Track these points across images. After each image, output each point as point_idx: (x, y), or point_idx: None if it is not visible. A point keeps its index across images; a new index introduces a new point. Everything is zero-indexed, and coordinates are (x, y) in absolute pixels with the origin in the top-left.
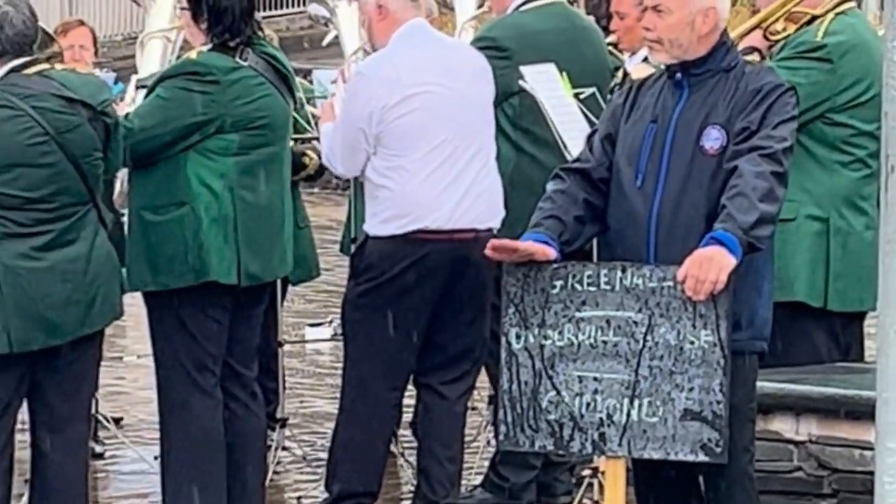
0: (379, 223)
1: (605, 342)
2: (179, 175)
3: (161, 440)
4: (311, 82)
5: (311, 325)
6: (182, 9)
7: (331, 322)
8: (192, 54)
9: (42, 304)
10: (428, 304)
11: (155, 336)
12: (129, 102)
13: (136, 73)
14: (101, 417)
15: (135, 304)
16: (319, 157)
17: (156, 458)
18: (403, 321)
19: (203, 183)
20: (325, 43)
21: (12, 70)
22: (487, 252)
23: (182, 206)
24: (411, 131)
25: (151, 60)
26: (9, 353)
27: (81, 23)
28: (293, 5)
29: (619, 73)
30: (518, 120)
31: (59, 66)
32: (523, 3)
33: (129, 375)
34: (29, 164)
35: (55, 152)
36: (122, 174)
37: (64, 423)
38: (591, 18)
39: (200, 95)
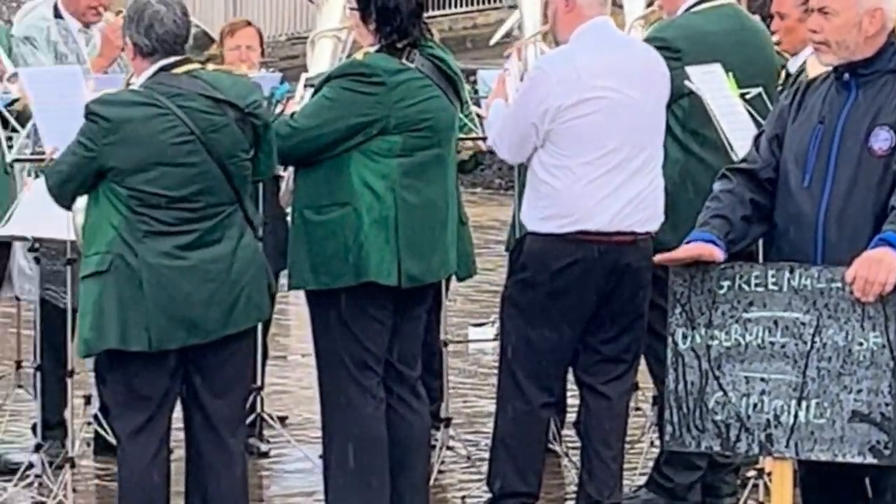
0: (539, 219)
1: (772, 343)
2: (342, 175)
3: (324, 439)
4: (475, 83)
5: (475, 325)
6: (352, 9)
7: (493, 322)
8: (359, 55)
9: (184, 304)
10: (585, 306)
11: (317, 335)
12: (298, 101)
13: (302, 72)
14: (266, 416)
15: (298, 302)
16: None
17: (320, 456)
18: (558, 320)
19: (365, 184)
20: (492, 42)
21: (162, 69)
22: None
23: (344, 206)
24: (582, 135)
25: (321, 59)
26: (149, 350)
27: (248, 23)
28: (456, 6)
29: (783, 74)
30: (687, 121)
31: (211, 67)
32: (695, 4)
33: (293, 374)
34: (173, 163)
35: (200, 152)
36: (288, 173)
37: (218, 424)
38: (757, 17)
39: (365, 96)
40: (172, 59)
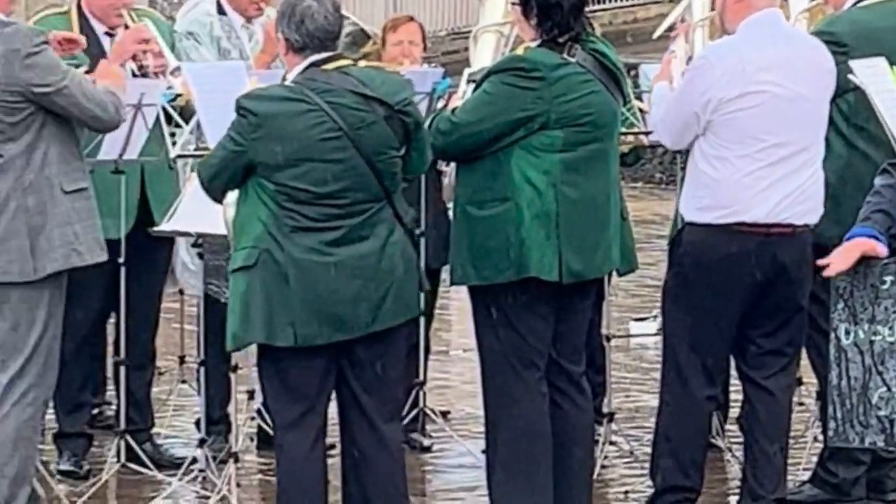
0: (696, 209)
1: None
2: (503, 170)
3: (486, 434)
4: (636, 77)
5: (636, 320)
6: (513, 4)
7: (655, 317)
8: (520, 50)
9: (330, 300)
10: (742, 298)
11: (479, 330)
12: (461, 96)
13: (461, 67)
14: (428, 411)
15: (459, 297)
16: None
17: (483, 451)
18: (716, 312)
19: (526, 179)
20: (655, 36)
21: (312, 64)
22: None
23: (505, 201)
24: (744, 128)
25: (484, 54)
26: (295, 346)
27: (411, 18)
28: (617, 0)
29: None
30: (852, 116)
31: (363, 64)
32: None
33: (454, 369)
34: (320, 158)
35: (347, 148)
36: (451, 168)
37: (374, 418)
38: None
39: (525, 91)
40: (323, 55)
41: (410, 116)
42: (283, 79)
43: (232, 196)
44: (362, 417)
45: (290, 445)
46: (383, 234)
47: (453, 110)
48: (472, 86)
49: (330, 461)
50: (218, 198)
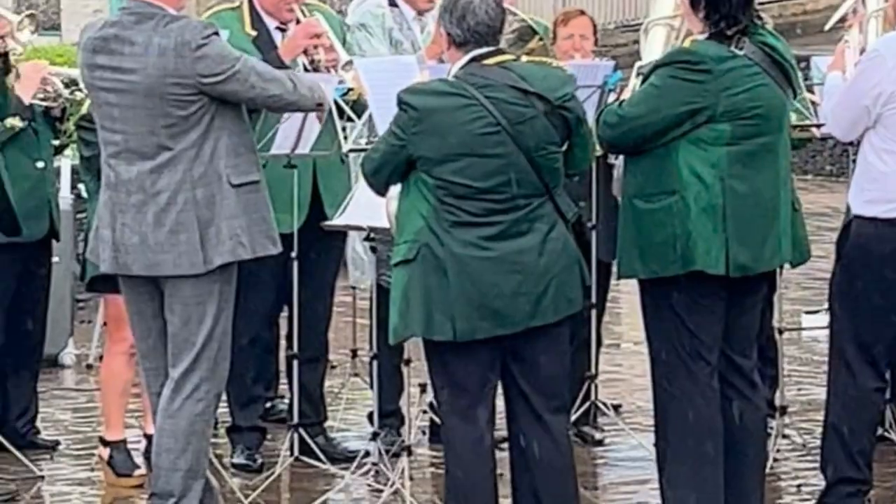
0: (864, 202)
1: None
2: (670, 164)
3: (657, 428)
4: (806, 69)
5: (808, 313)
6: None
7: (827, 309)
8: (686, 43)
9: (489, 295)
10: None
11: (648, 324)
12: (631, 90)
13: (632, 60)
14: (600, 404)
15: (630, 290)
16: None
17: (654, 444)
18: (883, 305)
19: (693, 172)
20: (827, 27)
21: (473, 59)
22: None
23: (672, 194)
24: None
25: (653, 48)
26: (454, 340)
27: (582, 12)
28: None
29: None
30: None
31: (525, 59)
32: None
33: (625, 362)
34: (479, 153)
35: (507, 143)
36: (619, 162)
37: (541, 411)
38: None
39: (692, 84)
40: (484, 50)
41: (571, 112)
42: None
43: (395, 189)
44: (528, 410)
45: (458, 438)
46: (543, 230)
47: (621, 103)
48: (641, 79)
49: (501, 455)
50: (381, 191)
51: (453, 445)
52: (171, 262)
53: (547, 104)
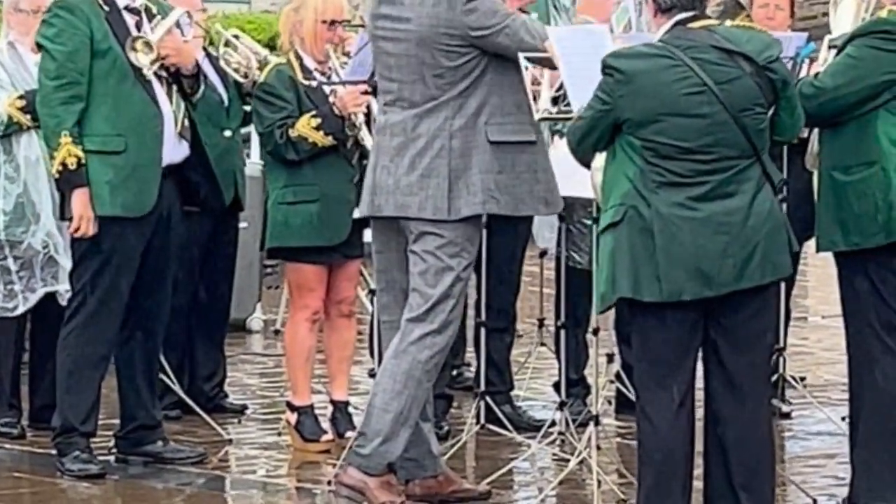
0: None
1: None
2: (869, 135)
3: (852, 402)
4: None
5: None
6: None
7: None
8: (883, 13)
9: (696, 255)
10: None
11: (844, 296)
12: (821, 63)
13: (822, 33)
14: (788, 377)
15: (819, 264)
16: None
17: (843, 418)
18: None
19: (892, 142)
20: None
21: (678, 23)
22: None
23: (872, 165)
24: None
25: (843, 20)
26: (661, 301)
27: None
28: None
29: None
30: None
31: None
32: None
33: (812, 336)
34: (685, 113)
35: (713, 103)
36: (814, 135)
37: (740, 381)
38: None
39: (890, 54)
40: (689, 14)
41: (777, 73)
42: None
43: (599, 160)
44: (727, 381)
45: (654, 408)
46: (750, 192)
47: (816, 75)
48: (833, 52)
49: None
50: (587, 160)
51: (648, 416)
52: (416, 204)
53: (752, 65)
